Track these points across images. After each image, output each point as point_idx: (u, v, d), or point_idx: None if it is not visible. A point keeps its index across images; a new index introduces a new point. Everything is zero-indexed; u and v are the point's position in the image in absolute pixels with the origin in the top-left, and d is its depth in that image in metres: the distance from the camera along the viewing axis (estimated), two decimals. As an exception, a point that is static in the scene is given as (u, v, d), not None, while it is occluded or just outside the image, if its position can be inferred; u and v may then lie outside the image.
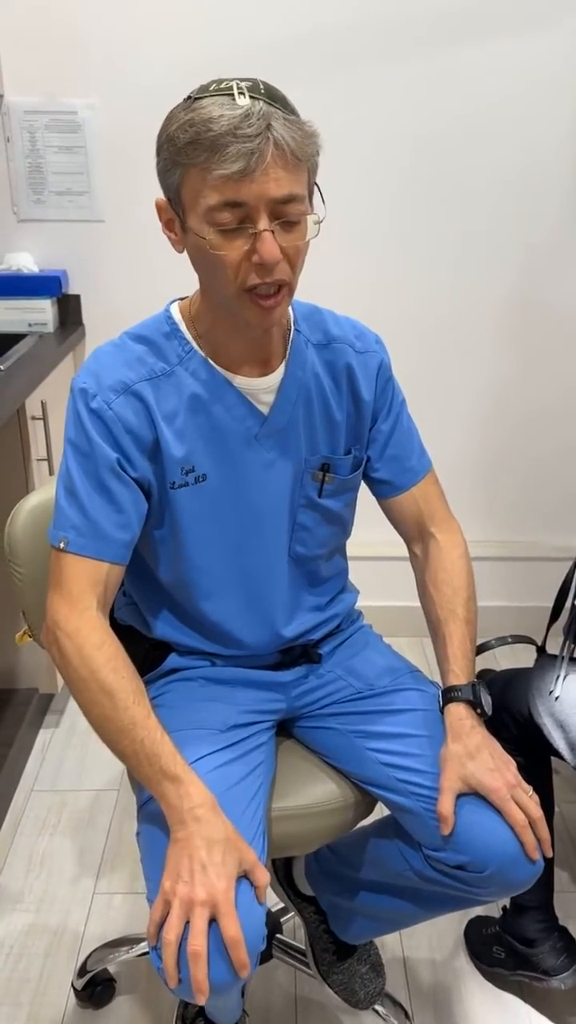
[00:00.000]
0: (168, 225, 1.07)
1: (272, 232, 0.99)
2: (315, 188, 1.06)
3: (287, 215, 1.00)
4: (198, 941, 0.93)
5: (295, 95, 1.05)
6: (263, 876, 1.00)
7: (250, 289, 1.02)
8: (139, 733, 1.04)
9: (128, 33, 2.14)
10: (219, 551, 1.18)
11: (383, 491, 1.29)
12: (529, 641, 1.49)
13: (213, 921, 0.95)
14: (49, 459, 2.02)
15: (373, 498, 1.32)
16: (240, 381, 1.14)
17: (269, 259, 0.99)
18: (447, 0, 2.11)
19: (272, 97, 0.99)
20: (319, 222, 1.04)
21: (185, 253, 1.08)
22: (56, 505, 1.12)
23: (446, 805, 1.09)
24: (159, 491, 1.14)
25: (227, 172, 0.95)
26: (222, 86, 0.98)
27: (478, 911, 1.66)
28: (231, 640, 1.24)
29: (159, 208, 1.07)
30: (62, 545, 1.09)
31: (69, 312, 2.35)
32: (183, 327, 1.14)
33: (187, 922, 0.95)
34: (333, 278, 2.14)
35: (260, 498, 1.18)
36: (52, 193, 2.27)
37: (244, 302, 1.04)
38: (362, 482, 1.30)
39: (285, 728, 1.31)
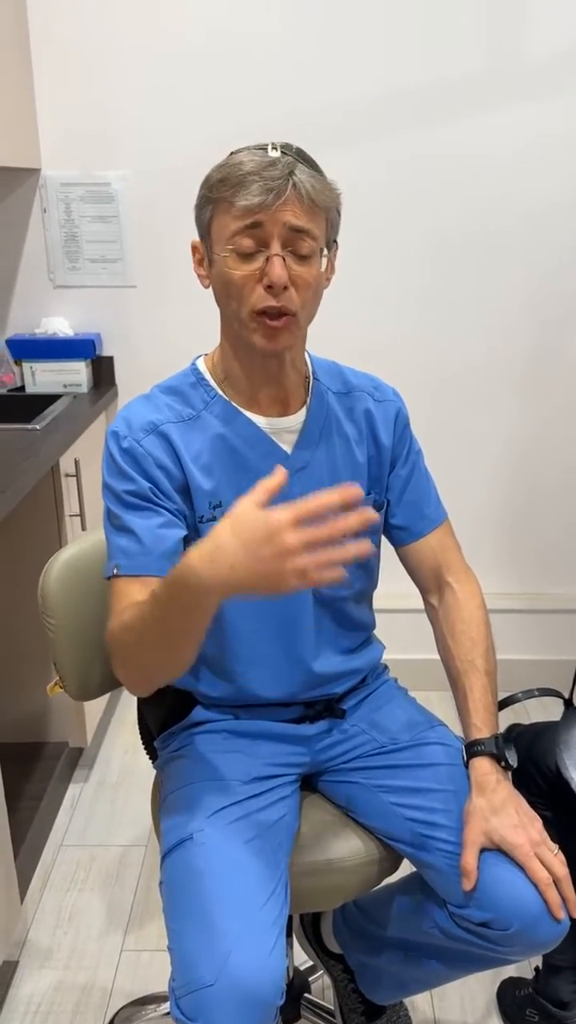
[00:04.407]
0: (199, 263, 1.16)
1: (283, 258, 1.07)
2: (334, 245, 1.14)
3: (298, 246, 1.08)
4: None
5: (319, 161, 1.14)
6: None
7: (260, 312, 1.09)
8: (151, 609, 1.01)
9: (158, 110, 2.25)
10: None
11: (400, 537, 1.32)
12: (556, 694, 1.48)
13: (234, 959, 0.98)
14: (82, 515, 2.07)
15: (400, 549, 1.34)
16: (262, 421, 1.19)
17: (276, 280, 1.06)
18: (467, 70, 2.19)
19: (301, 156, 1.10)
20: (329, 278, 1.14)
21: (213, 308, 1.15)
22: (107, 544, 1.16)
23: (469, 860, 1.08)
24: (192, 527, 1.18)
25: (249, 203, 1.05)
26: (260, 144, 1.10)
27: (511, 972, 1.63)
28: (257, 686, 1.24)
29: (193, 248, 1.17)
30: (115, 571, 1.13)
31: (102, 373, 2.43)
32: (208, 376, 1.21)
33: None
34: (355, 332, 2.20)
35: None
36: (87, 260, 2.36)
37: (254, 324, 1.10)
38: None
39: (310, 782, 1.32)
